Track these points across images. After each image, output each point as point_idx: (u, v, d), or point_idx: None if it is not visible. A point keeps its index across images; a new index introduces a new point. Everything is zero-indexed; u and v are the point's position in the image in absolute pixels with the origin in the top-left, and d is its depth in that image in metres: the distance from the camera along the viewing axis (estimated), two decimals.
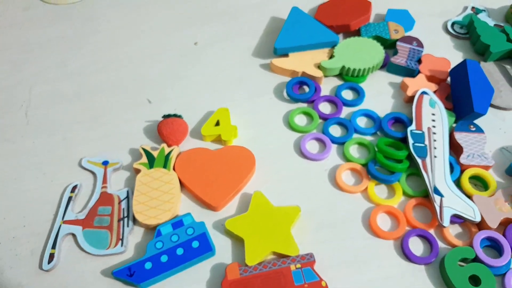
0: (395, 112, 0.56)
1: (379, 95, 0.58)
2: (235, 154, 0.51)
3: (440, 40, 0.65)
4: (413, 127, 0.52)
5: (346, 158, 0.52)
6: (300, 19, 0.63)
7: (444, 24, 0.67)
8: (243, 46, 0.64)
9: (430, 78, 0.58)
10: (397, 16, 0.66)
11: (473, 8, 0.68)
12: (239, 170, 0.50)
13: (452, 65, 0.59)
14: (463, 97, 0.54)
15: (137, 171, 0.50)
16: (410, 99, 0.56)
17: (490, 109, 0.56)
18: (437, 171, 0.49)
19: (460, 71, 0.56)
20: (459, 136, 0.52)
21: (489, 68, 0.60)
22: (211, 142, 0.54)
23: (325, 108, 0.57)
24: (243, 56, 0.63)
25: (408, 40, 0.62)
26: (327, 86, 0.59)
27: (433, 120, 0.53)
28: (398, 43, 0.61)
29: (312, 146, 0.54)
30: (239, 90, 0.59)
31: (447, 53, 0.63)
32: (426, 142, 0.51)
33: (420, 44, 0.61)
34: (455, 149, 0.52)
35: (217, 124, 0.54)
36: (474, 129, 0.53)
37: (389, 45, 0.62)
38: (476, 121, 0.54)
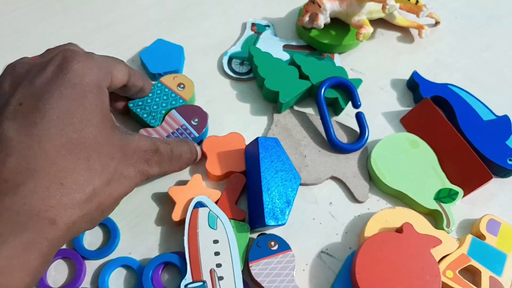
0: (163, 254, 0.36)
1: (141, 231, 0.38)
2: None
3: (220, 94, 0.45)
4: (188, 277, 0.34)
5: None
6: None
7: (220, 63, 0.48)
8: None
9: (219, 178, 0.40)
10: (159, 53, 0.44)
11: (253, 25, 0.50)
12: None
13: (248, 141, 0.40)
14: (255, 199, 0.37)
15: None
16: (183, 223, 0.37)
17: (299, 191, 0.40)
18: None
19: (252, 155, 0.38)
20: (257, 270, 0.35)
21: (286, 123, 0.43)
22: None
23: (58, 274, 0.36)
24: None
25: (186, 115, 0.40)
26: None
27: (217, 254, 0.35)
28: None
29: None
30: None
31: (232, 112, 0.44)
32: None
33: (202, 119, 0.40)
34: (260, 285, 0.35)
35: None
36: (276, 247, 0.36)
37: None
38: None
